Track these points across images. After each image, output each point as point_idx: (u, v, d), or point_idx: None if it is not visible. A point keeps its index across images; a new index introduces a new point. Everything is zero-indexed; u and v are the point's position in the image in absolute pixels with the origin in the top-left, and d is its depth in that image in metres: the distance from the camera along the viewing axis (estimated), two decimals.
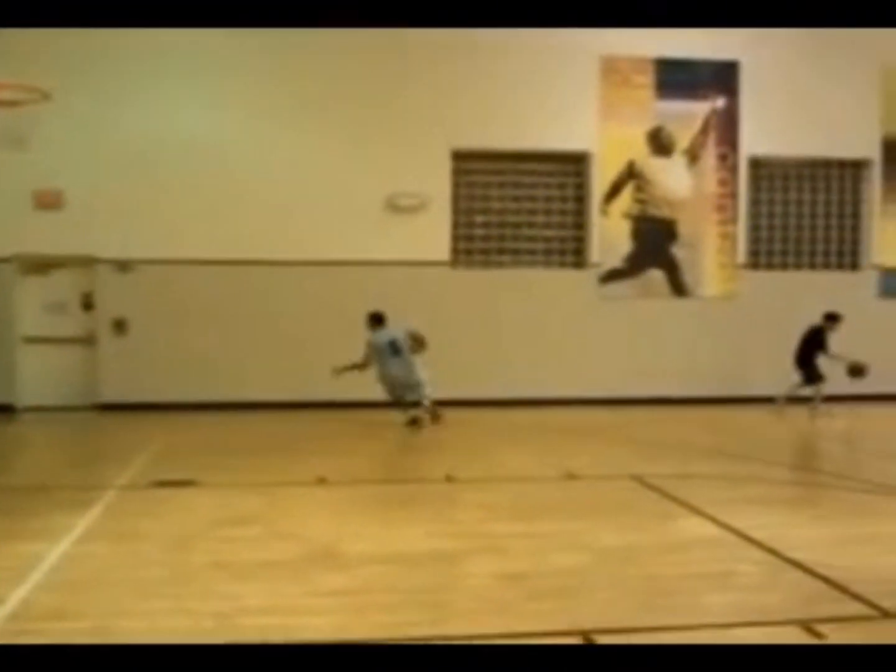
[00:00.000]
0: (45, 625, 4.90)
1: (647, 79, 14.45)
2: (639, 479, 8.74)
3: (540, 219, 14.69)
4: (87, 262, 13.57)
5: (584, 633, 4.76)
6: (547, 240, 14.74)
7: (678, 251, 14.77)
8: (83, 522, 7.06)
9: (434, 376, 13.29)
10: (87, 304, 13.79)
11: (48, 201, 13.31)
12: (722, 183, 14.85)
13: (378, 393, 12.62)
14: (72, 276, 13.77)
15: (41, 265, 13.67)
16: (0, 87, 7.25)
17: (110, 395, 13.59)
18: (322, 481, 8.58)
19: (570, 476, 8.93)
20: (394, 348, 12.02)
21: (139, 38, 12.96)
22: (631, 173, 14.55)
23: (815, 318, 13.45)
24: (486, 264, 14.59)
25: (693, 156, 14.71)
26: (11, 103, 7.26)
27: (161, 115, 13.50)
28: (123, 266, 13.56)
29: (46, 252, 13.46)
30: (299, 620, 5.01)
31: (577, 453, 10.28)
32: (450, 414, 13.06)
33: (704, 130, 14.69)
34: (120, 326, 13.60)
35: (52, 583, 5.64)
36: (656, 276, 14.74)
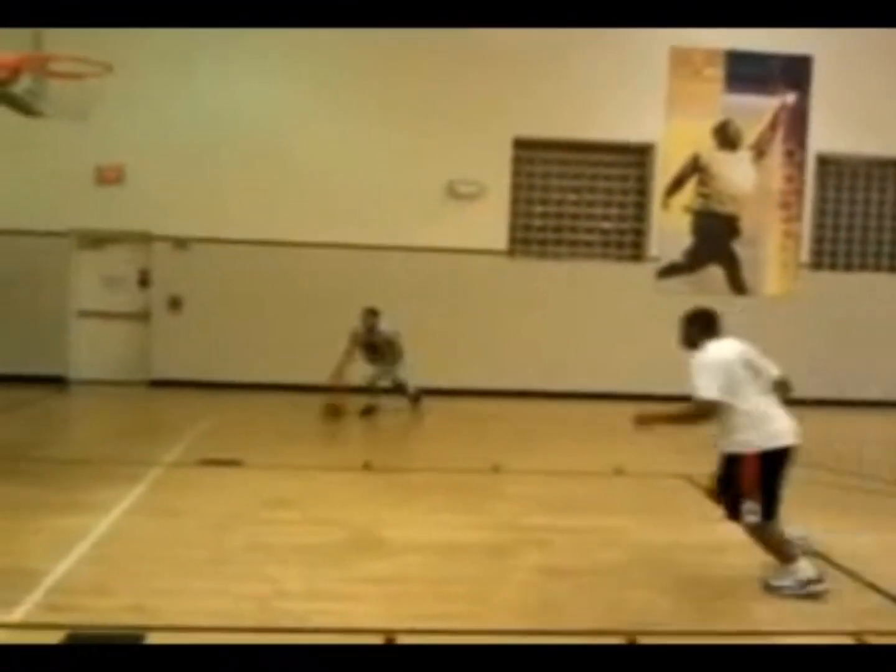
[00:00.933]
0: (85, 600, 4.90)
1: (717, 71, 14.14)
2: (687, 478, 8.57)
3: (599, 210, 14.48)
4: (144, 239, 13.64)
5: (628, 634, 4.66)
6: (605, 232, 14.53)
7: (739, 248, 14.46)
8: (129, 497, 7.09)
9: (486, 365, 13.27)
10: (144, 281, 13.88)
11: (109, 176, 13.41)
12: (788, 179, 14.51)
13: (426, 380, 12.55)
14: (129, 252, 13.86)
15: (98, 240, 13.78)
16: (64, 59, 7.23)
17: (162, 371, 13.67)
18: (367, 467, 8.53)
19: (619, 472, 8.79)
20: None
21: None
22: (695, 167, 14.27)
23: (877, 323, 13.11)
24: (543, 255, 14.42)
25: (759, 151, 14.38)
26: (75, 76, 7.26)
27: (223, 95, 13.51)
28: (180, 244, 13.63)
29: (104, 227, 13.55)
30: (339, 606, 4.96)
31: (627, 449, 10.08)
32: (500, 405, 12.99)
33: (773, 125, 14.36)
34: (175, 304, 13.68)
35: (95, 557, 5.66)
36: (715, 272, 14.46)
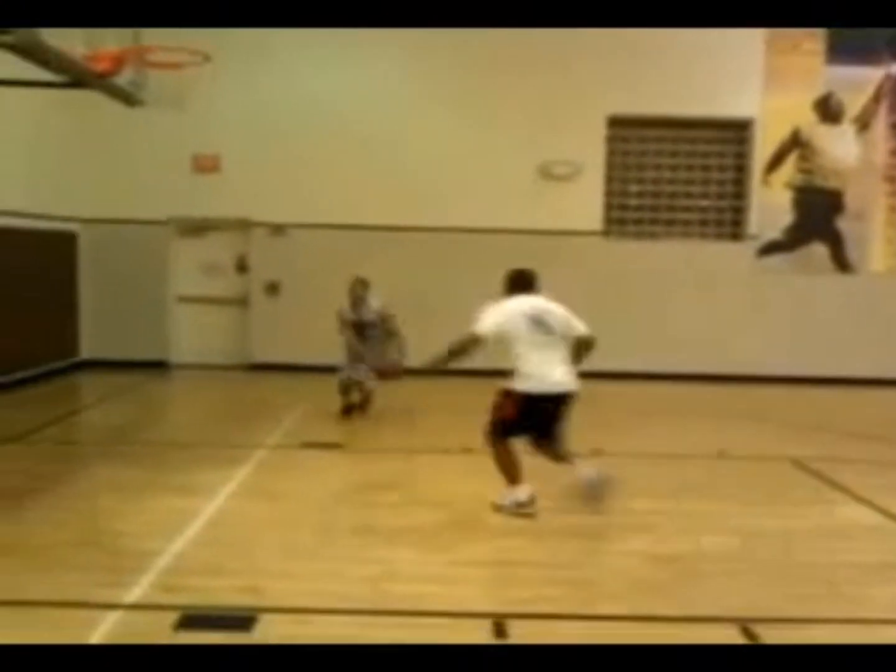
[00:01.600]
0: (199, 580, 4.98)
1: (817, 44, 13.69)
2: (793, 461, 8.40)
3: (697, 188, 14.18)
4: (242, 226, 13.83)
5: (739, 621, 4.55)
6: (703, 210, 14.22)
7: (843, 224, 14.04)
8: (234, 479, 7.20)
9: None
10: (242, 267, 14.08)
11: (206, 165, 13.62)
12: (893, 153, 14.01)
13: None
14: (227, 239, 14.07)
15: (197, 228, 14.02)
16: (164, 49, 7.34)
17: (261, 355, 13.86)
18: (467, 450, 8.50)
19: (722, 455, 8.62)
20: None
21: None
22: (796, 141, 13.86)
23: None
24: (640, 235, 14.20)
25: (863, 124, 13.90)
26: (174, 66, 7.37)
27: (318, 82, 13.57)
28: (278, 230, 13.78)
29: (203, 215, 13.78)
30: (448, 589, 4.96)
31: (730, 431, 9.93)
32: (598, 387, 12.72)
33: (877, 97, 13.87)
34: (273, 289, 13.85)
35: (205, 538, 5.75)
36: (818, 250, 14.05)
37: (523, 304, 6.78)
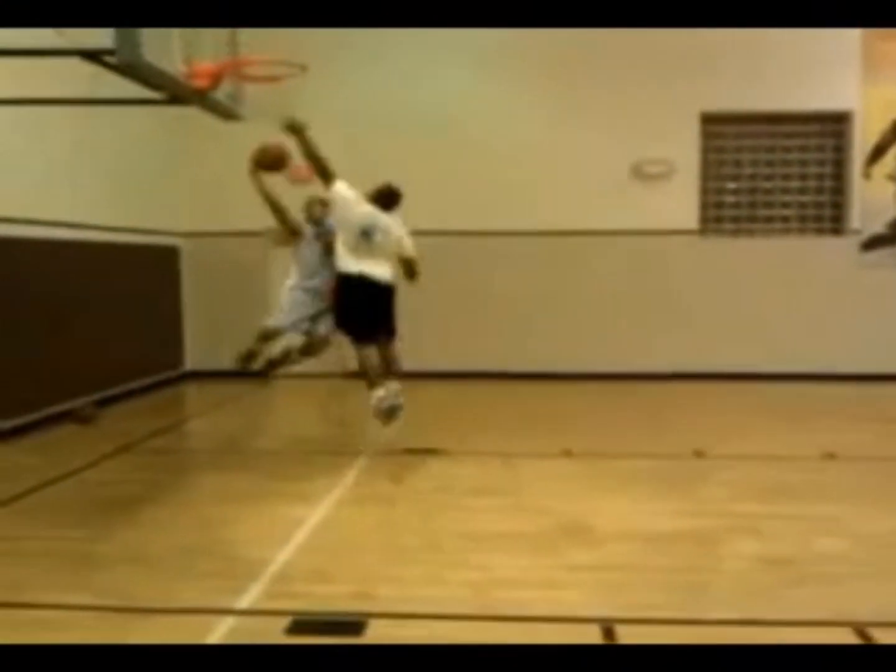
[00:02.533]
0: (309, 587, 5.07)
1: None
2: None
3: (795, 184, 13.88)
4: None
5: (855, 625, 4.45)
6: (802, 206, 13.92)
7: None
8: (340, 486, 7.31)
9: (682, 347, 13.01)
10: None
11: (301, 175, 13.80)
12: None
13: (620, 365, 12.42)
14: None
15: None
16: (262, 62, 7.47)
17: (356, 362, 14.01)
18: (567, 454, 8.50)
19: (830, 455, 8.41)
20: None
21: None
22: None
23: None
24: (737, 232, 13.96)
25: None
26: (272, 79, 7.50)
27: (412, 90, 13.68)
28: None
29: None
30: (553, 594, 4.96)
31: (835, 431, 9.68)
32: (697, 387, 12.68)
33: None
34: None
35: (313, 545, 5.86)
36: None
37: (367, 214, 8.24)
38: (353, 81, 13.69)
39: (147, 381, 12.38)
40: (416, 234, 13.82)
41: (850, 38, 13.24)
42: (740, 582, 5.20)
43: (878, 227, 13.65)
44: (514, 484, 7.43)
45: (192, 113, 7.83)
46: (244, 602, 4.86)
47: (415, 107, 13.69)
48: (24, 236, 9.34)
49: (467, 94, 13.71)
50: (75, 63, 6.19)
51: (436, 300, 13.86)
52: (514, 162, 13.60)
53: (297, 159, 13.03)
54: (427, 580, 5.17)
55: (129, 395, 11.67)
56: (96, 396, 10.65)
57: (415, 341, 13.97)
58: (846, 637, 4.34)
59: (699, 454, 8.47)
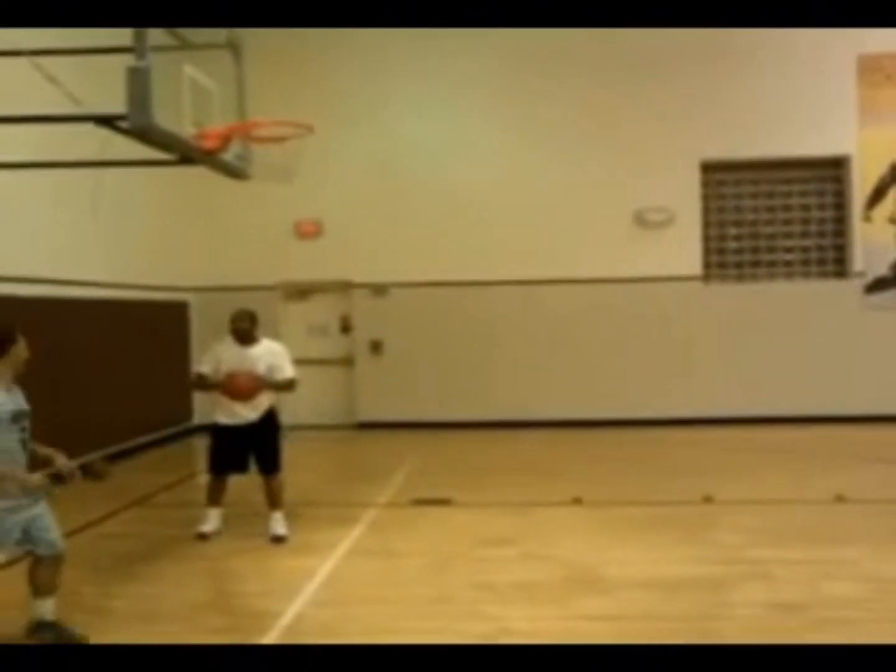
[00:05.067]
0: (318, 640, 5.07)
1: None
2: None
3: (797, 228, 14.00)
4: (343, 287, 14.16)
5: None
6: (804, 250, 14.02)
7: None
8: (349, 538, 7.35)
9: (687, 393, 13.07)
10: (345, 327, 14.38)
11: (309, 231, 14.03)
12: None
13: (626, 412, 12.43)
14: (330, 301, 14.40)
15: (303, 291, 14.38)
16: (269, 124, 7.62)
17: (367, 413, 14.08)
18: (577, 502, 8.50)
19: (839, 499, 8.42)
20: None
21: (395, 67, 13.54)
22: (895, 176, 13.58)
23: None
24: (741, 278, 14.06)
25: None
26: (278, 139, 7.64)
27: (410, 144, 13.92)
28: (378, 290, 14.06)
29: (307, 279, 14.16)
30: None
31: (844, 474, 9.68)
32: (703, 433, 12.68)
33: None
34: (376, 348, 14.09)
35: (323, 599, 5.88)
36: None
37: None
38: (356, 137, 13.88)
39: (156, 435, 12.43)
40: (417, 285, 14.07)
41: (844, 84, 13.45)
42: (751, 629, 5.19)
43: (881, 269, 13.72)
44: (525, 533, 7.44)
45: (200, 172, 7.97)
46: None
47: (417, 161, 13.89)
48: (38, 295, 9.47)
49: (471, 150, 13.90)
50: (86, 130, 6.32)
51: (438, 350, 13.96)
52: (518, 214, 13.77)
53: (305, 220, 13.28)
54: (438, 632, 5.17)
55: (139, 449, 11.72)
56: (108, 451, 10.70)
57: (411, 393, 14.11)
58: None
59: (708, 499, 8.47)
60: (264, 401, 7.59)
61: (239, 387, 7.33)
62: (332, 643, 5.00)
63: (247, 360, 7.44)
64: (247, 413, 7.49)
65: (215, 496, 7.63)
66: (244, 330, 7.53)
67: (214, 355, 7.53)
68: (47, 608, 4.98)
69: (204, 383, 7.61)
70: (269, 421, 7.73)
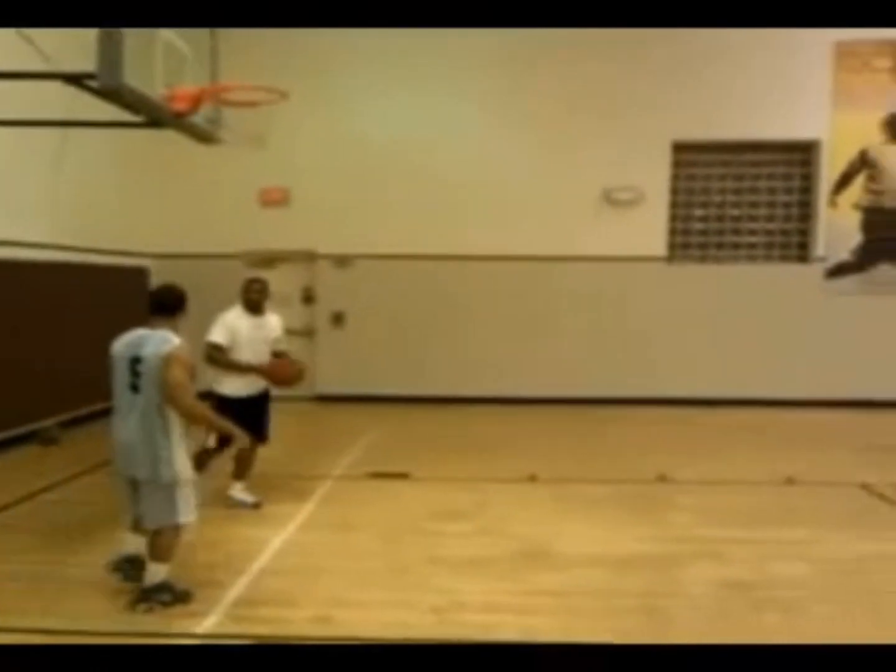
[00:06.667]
0: (269, 611, 5.07)
1: (887, 62, 13.51)
2: (865, 487, 8.29)
3: (763, 211, 14.06)
4: (308, 258, 14.05)
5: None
6: (769, 233, 14.09)
7: None
8: (304, 511, 7.31)
9: (648, 373, 13.11)
10: (308, 298, 14.28)
11: (275, 199, 13.89)
12: None
13: (593, 390, 12.50)
14: (294, 271, 14.28)
15: (267, 260, 14.24)
16: (242, 88, 7.52)
17: (326, 386, 14.02)
18: (532, 479, 8.52)
19: (790, 481, 8.52)
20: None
21: (366, 41, 13.37)
22: (864, 162, 13.67)
23: None
24: (705, 259, 14.10)
25: None
26: (251, 103, 7.54)
27: (381, 116, 13.76)
28: (342, 261, 13.96)
29: (271, 248, 14.03)
30: (516, 619, 4.97)
31: (798, 457, 9.79)
32: (661, 413, 12.76)
33: None
34: (338, 320, 14.03)
35: (276, 569, 5.85)
36: (887, 271, 13.81)
37: None
38: (326, 108, 13.75)
39: (111, 403, 12.26)
40: (383, 257, 13.98)
41: (819, 69, 13.46)
42: (699, 606, 5.24)
43: (843, 254, 13.83)
44: (480, 508, 7.43)
45: (168, 136, 7.85)
46: (205, 626, 4.84)
47: (386, 135, 13.76)
48: None
49: (441, 126, 13.79)
50: (55, 86, 6.20)
51: (400, 324, 13.92)
52: (487, 189, 13.69)
53: (272, 188, 13.13)
54: (391, 604, 5.17)
55: (91, 417, 11.58)
56: (60, 418, 10.60)
57: (372, 367, 14.06)
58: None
59: (662, 479, 8.54)
60: None
61: (291, 375, 7.67)
62: (288, 613, 5.00)
63: (263, 329, 7.55)
64: (257, 385, 7.60)
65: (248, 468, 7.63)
66: (261, 301, 7.60)
67: (227, 325, 7.44)
68: None
69: (233, 363, 7.43)
70: (267, 391, 7.82)
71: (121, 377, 5.28)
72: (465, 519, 7.07)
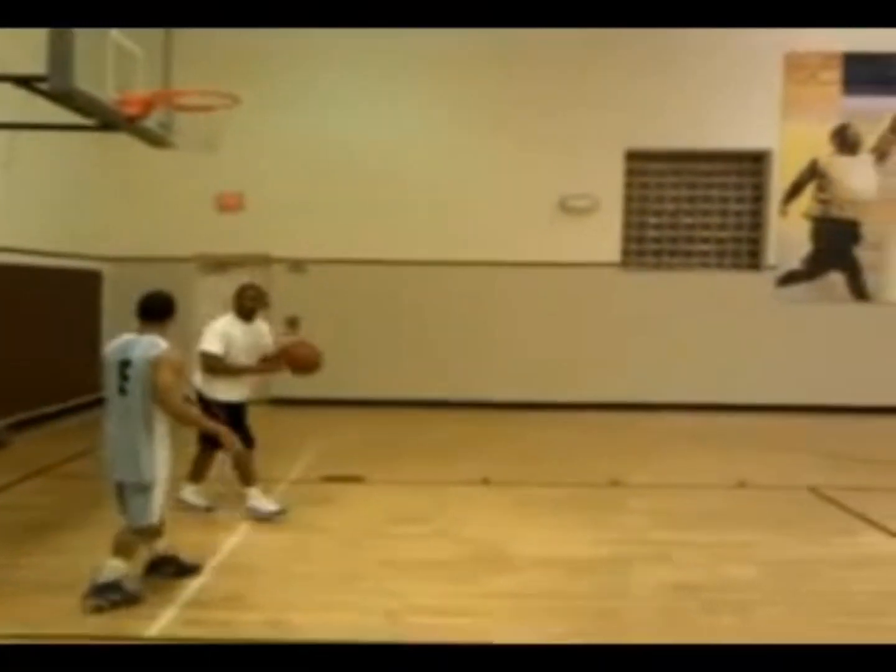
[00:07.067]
0: (220, 614, 5.03)
1: (834, 74, 13.77)
2: (814, 490, 8.43)
3: (715, 219, 14.25)
4: (262, 262, 13.97)
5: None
6: (721, 241, 14.28)
7: (862, 253, 14.04)
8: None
9: (602, 378, 13.21)
10: (263, 303, 14.18)
11: (230, 203, 13.82)
12: None
13: (545, 395, 12.57)
14: (248, 275, 14.15)
15: (220, 264, 14.15)
16: (194, 93, 7.49)
17: (281, 390, 13.93)
18: (486, 482, 8.56)
19: (741, 484, 8.65)
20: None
21: (319, 44, 13.35)
22: (813, 172, 13.92)
23: None
24: (658, 266, 14.26)
25: (881, 154, 13.94)
26: (204, 108, 7.52)
27: (336, 123, 13.78)
28: (296, 265, 13.92)
29: (225, 252, 13.94)
30: (467, 622, 4.99)
31: (748, 461, 9.93)
32: (615, 417, 12.87)
33: (894, 128, 13.91)
34: (292, 324, 13.96)
35: (228, 571, 5.81)
36: (837, 279, 14.06)
37: None
38: (281, 112, 13.71)
39: (64, 405, 12.13)
40: (337, 262, 13.96)
41: (769, 81, 13.70)
42: (651, 608, 5.28)
43: (794, 263, 14.05)
44: (434, 512, 7.44)
45: (121, 139, 7.80)
46: (154, 629, 4.80)
47: (341, 139, 13.76)
48: None
49: (396, 132, 13.82)
50: (5, 88, 6.14)
51: (354, 328, 13.91)
52: (442, 196, 13.78)
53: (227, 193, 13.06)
54: (342, 606, 5.16)
55: (46, 419, 11.45)
56: (11, 420, 10.45)
57: (327, 370, 13.94)
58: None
59: (615, 483, 8.61)
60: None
61: (312, 357, 7.91)
62: (240, 616, 4.98)
63: (255, 336, 7.51)
64: (247, 392, 7.64)
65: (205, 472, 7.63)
66: (255, 308, 7.54)
67: (221, 334, 7.35)
68: None
69: (244, 367, 7.47)
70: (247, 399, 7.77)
71: (110, 381, 5.37)
72: (420, 522, 7.08)
